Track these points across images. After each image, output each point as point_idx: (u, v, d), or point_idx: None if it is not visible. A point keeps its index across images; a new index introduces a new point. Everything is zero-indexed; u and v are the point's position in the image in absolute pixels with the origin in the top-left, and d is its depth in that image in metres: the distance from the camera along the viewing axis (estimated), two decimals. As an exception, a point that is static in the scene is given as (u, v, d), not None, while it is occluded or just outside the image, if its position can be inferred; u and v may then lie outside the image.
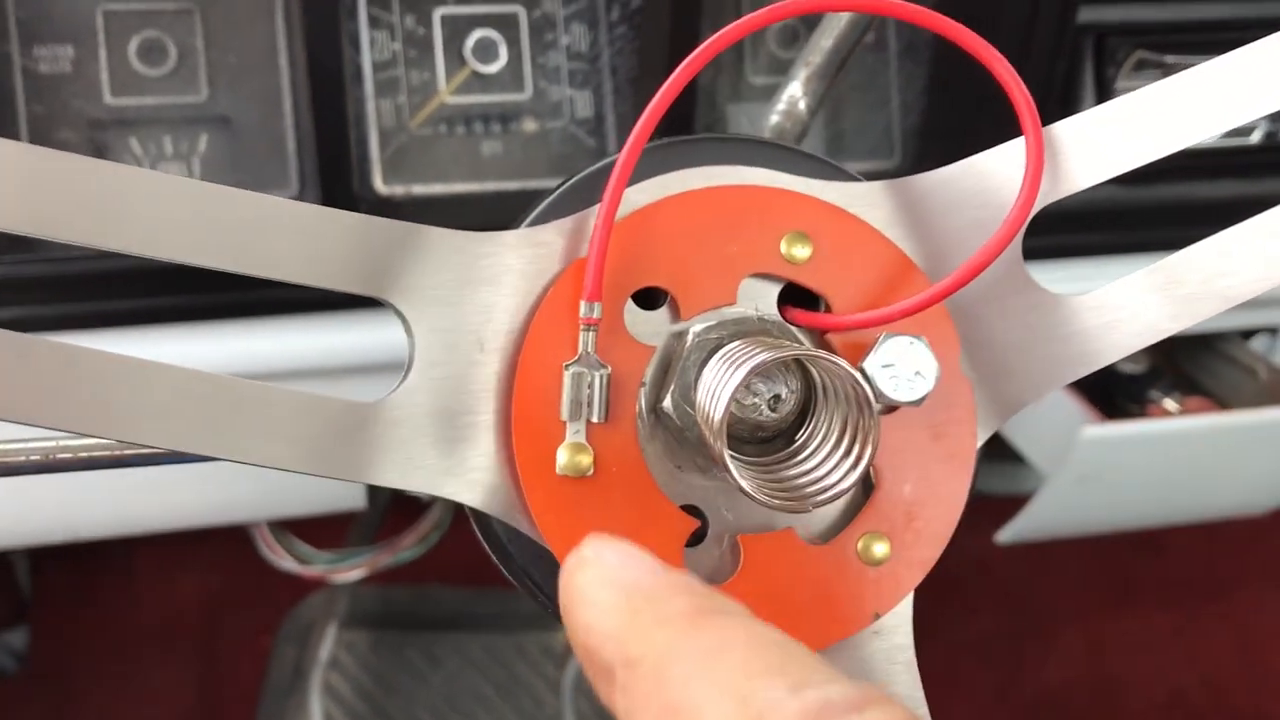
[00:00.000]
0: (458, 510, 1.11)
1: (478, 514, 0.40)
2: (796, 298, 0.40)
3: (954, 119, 0.75)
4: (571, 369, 0.37)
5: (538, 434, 0.37)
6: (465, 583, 1.32)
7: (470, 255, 0.37)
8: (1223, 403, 0.91)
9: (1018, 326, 0.40)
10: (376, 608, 1.30)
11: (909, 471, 0.39)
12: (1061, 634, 1.37)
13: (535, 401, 0.37)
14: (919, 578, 0.39)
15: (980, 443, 0.40)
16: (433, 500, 1.04)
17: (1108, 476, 0.86)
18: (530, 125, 0.73)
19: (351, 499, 0.88)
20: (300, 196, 0.70)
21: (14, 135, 0.67)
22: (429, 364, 0.37)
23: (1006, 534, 0.92)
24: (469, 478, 0.37)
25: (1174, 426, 0.85)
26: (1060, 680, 1.36)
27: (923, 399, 0.37)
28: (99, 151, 0.68)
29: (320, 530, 1.06)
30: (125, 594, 1.26)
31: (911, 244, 0.40)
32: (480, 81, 0.72)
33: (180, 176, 0.35)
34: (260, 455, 0.34)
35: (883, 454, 0.39)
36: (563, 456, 0.37)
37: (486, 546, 0.45)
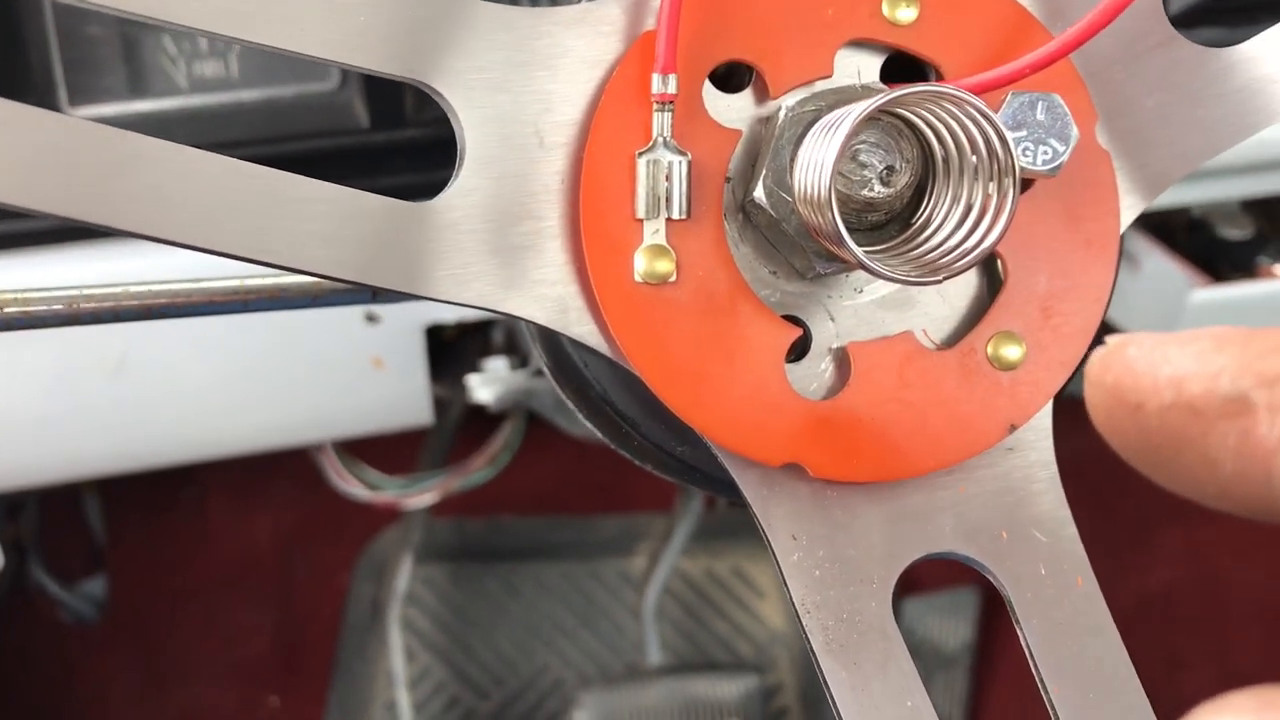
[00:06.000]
0: (527, 431, 1.07)
1: (546, 337, 0.36)
2: (900, 71, 0.35)
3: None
4: (645, 157, 0.32)
5: (611, 237, 0.33)
6: (537, 513, 1.29)
7: (521, 33, 0.32)
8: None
9: (1161, 87, 0.35)
10: (451, 540, 1.28)
11: (1043, 260, 0.34)
12: (1162, 537, 1.31)
13: (606, 200, 0.33)
14: (1060, 382, 0.34)
15: (1124, 225, 0.35)
16: (504, 415, 1.01)
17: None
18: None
19: (417, 414, 0.85)
20: None
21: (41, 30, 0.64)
22: (482, 161, 0.32)
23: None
24: (534, 292, 0.33)
25: (1292, 288, 0.78)
26: (1162, 582, 1.30)
27: (1058, 168, 0.32)
28: (128, 45, 0.65)
29: (389, 457, 1.04)
30: (199, 536, 1.25)
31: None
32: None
33: None
34: (296, 257, 0.30)
35: (1011, 241, 0.34)
36: (641, 261, 0.33)
37: (556, 386, 0.40)
